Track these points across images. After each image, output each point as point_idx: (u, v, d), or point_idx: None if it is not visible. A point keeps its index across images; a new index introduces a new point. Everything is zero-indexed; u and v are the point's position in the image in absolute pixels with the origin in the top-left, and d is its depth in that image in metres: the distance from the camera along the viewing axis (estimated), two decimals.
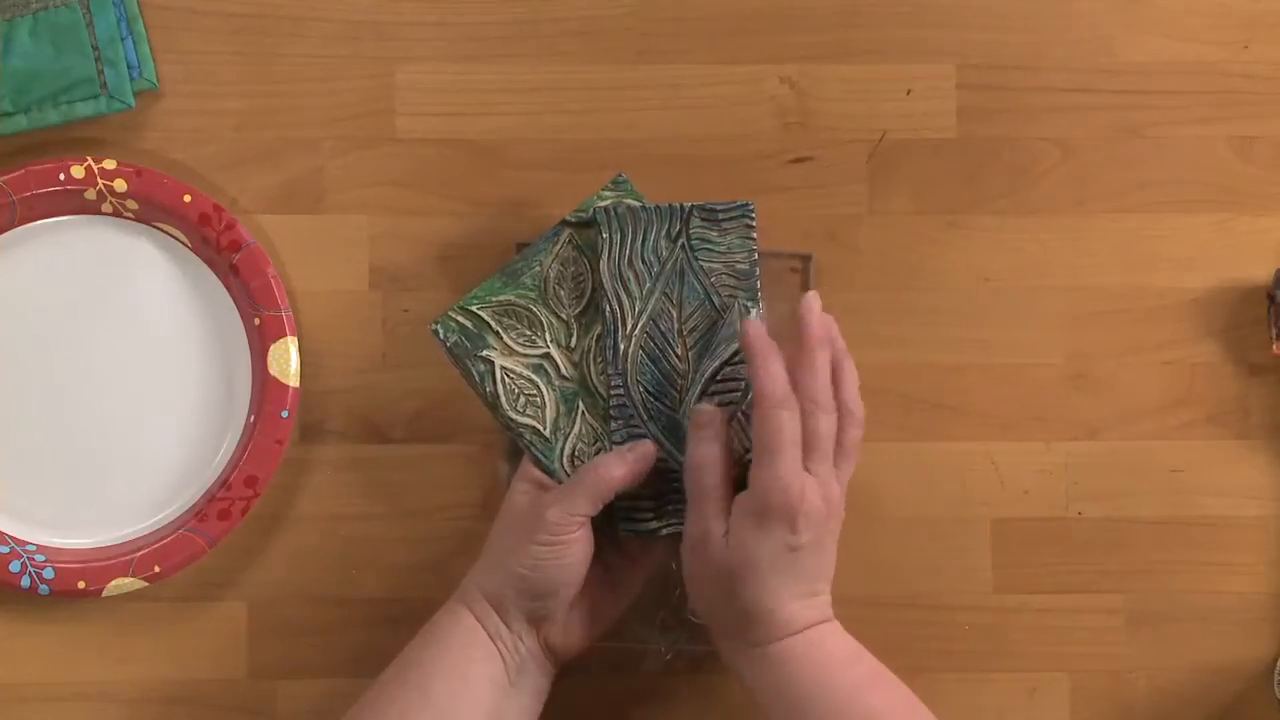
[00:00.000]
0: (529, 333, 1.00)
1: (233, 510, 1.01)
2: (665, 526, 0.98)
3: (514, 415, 0.99)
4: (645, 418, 0.99)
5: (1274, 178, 1.06)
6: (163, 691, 1.03)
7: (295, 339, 1.03)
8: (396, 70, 1.05)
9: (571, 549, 0.94)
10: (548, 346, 1.00)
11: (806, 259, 1.04)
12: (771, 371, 0.93)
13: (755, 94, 1.05)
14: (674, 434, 0.99)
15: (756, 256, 1.00)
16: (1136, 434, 1.05)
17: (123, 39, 1.03)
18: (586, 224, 1.01)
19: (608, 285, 1.00)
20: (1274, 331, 1.04)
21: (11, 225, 1.03)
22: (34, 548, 1.02)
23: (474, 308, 1.00)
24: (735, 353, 0.97)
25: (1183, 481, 1.05)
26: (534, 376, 1.00)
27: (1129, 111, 1.06)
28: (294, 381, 1.02)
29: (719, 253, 1.00)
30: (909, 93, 1.06)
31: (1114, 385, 1.05)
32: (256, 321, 1.03)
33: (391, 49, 1.05)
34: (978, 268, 1.06)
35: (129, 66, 1.03)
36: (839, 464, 0.95)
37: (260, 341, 1.03)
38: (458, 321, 1.00)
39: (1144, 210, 1.06)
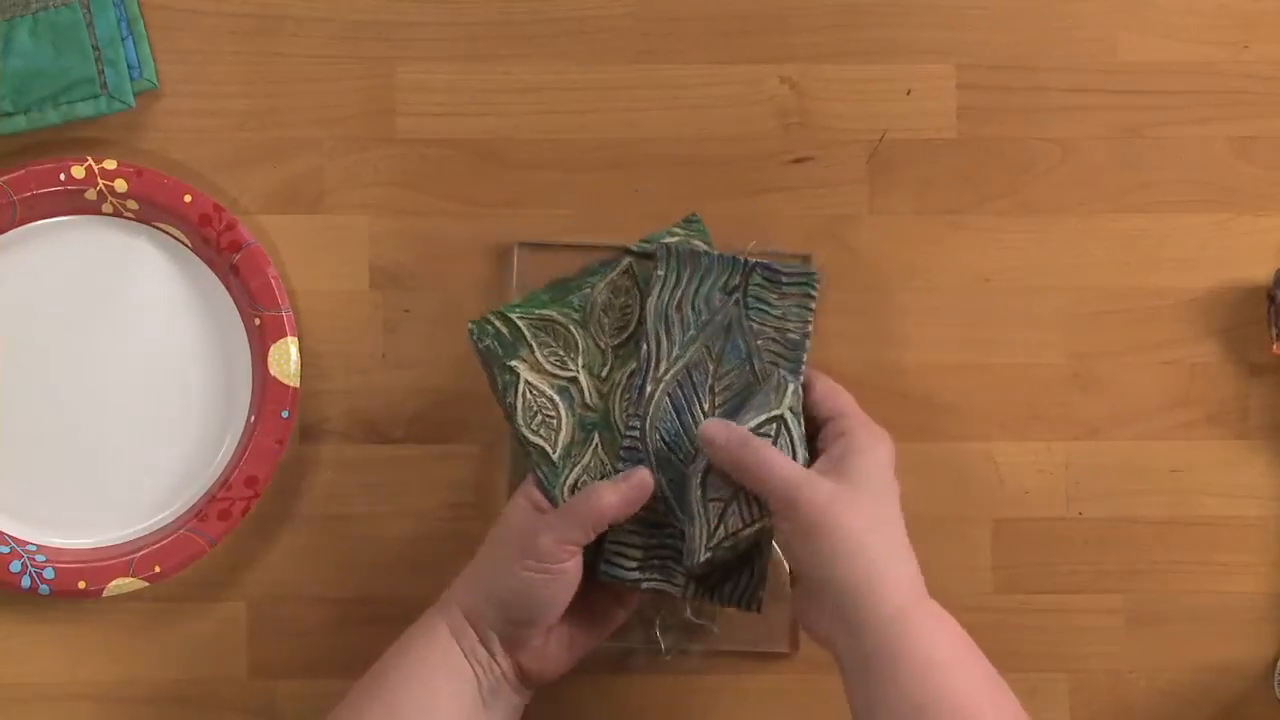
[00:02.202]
0: (562, 353, 0.99)
1: (233, 510, 1.01)
2: (646, 580, 0.96)
3: (526, 432, 0.98)
4: (654, 465, 0.96)
5: (1274, 178, 1.06)
6: (163, 691, 1.03)
7: (295, 339, 1.03)
8: (396, 70, 1.05)
9: (559, 579, 0.93)
10: (578, 371, 0.99)
11: (806, 259, 1.04)
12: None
13: (755, 94, 1.05)
14: (679, 489, 0.96)
15: (810, 329, 0.98)
16: (1136, 434, 1.05)
17: (123, 39, 1.03)
18: (649, 256, 0.99)
19: (650, 324, 0.97)
20: (1274, 331, 1.04)
21: (11, 225, 1.03)
22: (34, 548, 1.02)
23: (514, 316, 0.98)
24: (762, 423, 0.94)
25: (1183, 481, 1.05)
26: (556, 397, 0.98)
27: (1129, 111, 1.06)
28: (294, 381, 1.02)
29: (773, 316, 0.98)
30: (909, 93, 1.06)
31: (1114, 385, 1.05)
32: (256, 321, 1.03)
33: (391, 49, 1.05)
34: (978, 268, 1.06)
35: (129, 66, 1.03)
36: None
37: (260, 341, 1.03)
38: (495, 326, 0.98)
39: (1144, 210, 1.06)
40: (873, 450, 0.93)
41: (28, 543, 1.02)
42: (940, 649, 0.89)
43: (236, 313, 1.04)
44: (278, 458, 1.02)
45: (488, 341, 0.98)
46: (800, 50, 1.06)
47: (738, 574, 0.97)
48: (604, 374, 0.99)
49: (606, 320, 0.99)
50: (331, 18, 1.05)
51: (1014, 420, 1.05)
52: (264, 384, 1.02)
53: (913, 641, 0.89)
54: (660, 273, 0.98)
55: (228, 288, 1.04)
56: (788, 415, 0.94)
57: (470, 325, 0.99)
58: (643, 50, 1.05)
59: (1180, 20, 1.06)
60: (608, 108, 1.05)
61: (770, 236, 1.04)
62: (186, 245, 1.04)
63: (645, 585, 0.96)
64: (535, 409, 0.98)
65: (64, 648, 1.03)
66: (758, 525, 0.93)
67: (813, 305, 0.98)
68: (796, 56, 1.06)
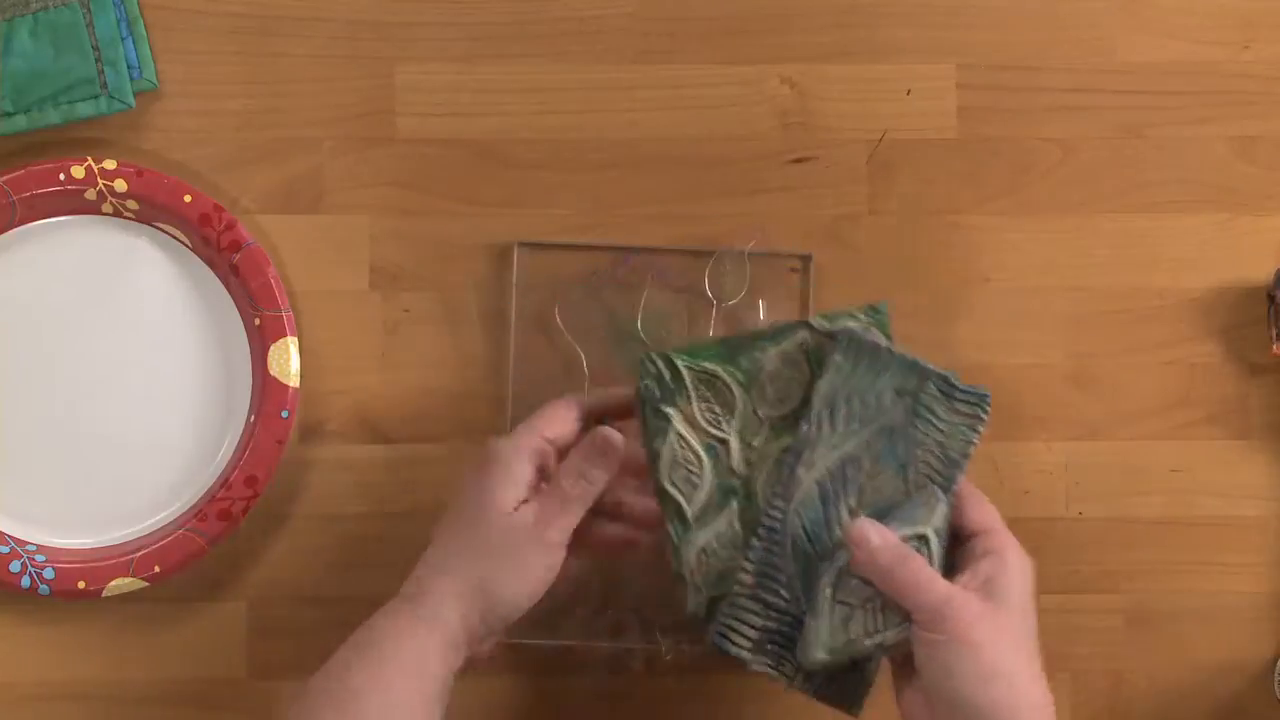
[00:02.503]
0: (719, 412, 0.95)
1: (233, 510, 1.01)
2: (756, 662, 0.95)
3: (665, 483, 0.95)
4: (789, 550, 0.94)
5: (1274, 178, 1.06)
6: (163, 691, 1.03)
7: (295, 339, 1.03)
8: (396, 70, 1.05)
9: (556, 571, 0.92)
10: (730, 434, 0.95)
11: (806, 259, 1.04)
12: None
13: (755, 94, 1.05)
14: (808, 580, 0.94)
15: (972, 451, 0.94)
16: (1136, 434, 1.05)
17: (123, 39, 1.03)
18: (829, 335, 0.95)
19: (816, 406, 0.94)
20: (1274, 331, 1.04)
21: (11, 225, 1.03)
22: (34, 548, 1.02)
23: (680, 362, 0.95)
24: (907, 536, 0.92)
25: (1183, 481, 1.05)
26: (704, 455, 0.95)
27: (1129, 111, 1.06)
28: (294, 381, 1.02)
29: (937, 429, 0.94)
30: (909, 93, 1.06)
31: (1114, 385, 1.05)
32: (256, 321, 1.03)
33: (391, 49, 1.05)
34: (978, 268, 1.06)
35: (129, 66, 1.03)
36: None
37: (260, 341, 1.03)
38: (658, 367, 0.95)
39: (1144, 210, 1.06)
40: (1021, 572, 0.91)
41: (28, 543, 1.02)
42: None
43: (236, 313, 1.04)
44: (278, 458, 1.02)
45: (647, 381, 0.95)
46: (800, 50, 1.06)
47: (845, 676, 0.95)
48: (756, 442, 0.96)
49: (770, 389, 0.96)
50: (331, 18, 1.05)
51: (1014, 420, 1.05)
52: (264, 384, 1.02)
53: None
54: (838, 358, 0.94)
55: (228, 288, 1.04)
56: (932, 535, 0.92)
57: (641, 357, 0.96)
58: (643, 50, 1.05)
59: (1180, 20, 1.06)
60: (608, 108, 1.05)
61: (770, 236, 1.04)
62: (186, 245, 1.04)
63: (753, 667, 0.95)
64: (680, 462, 0.95)
65: (64, 648, 1.03)
66: (880, 638, 0.92)
67: (981, 429, 0.95)
68: (796, 56, 1.06)
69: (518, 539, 0.92)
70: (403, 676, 0.90)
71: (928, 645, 0.89)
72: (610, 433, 0.93)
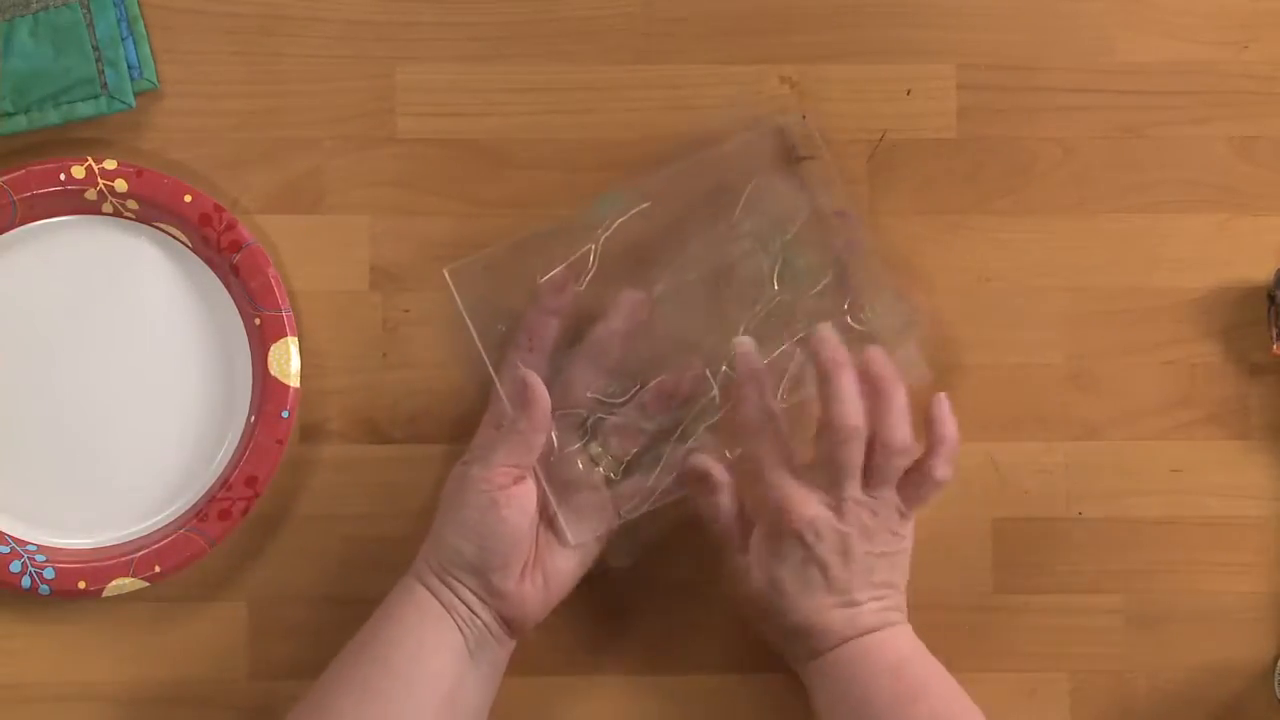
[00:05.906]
0: None
1: (233, 510, 1.01)
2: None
3: None
4: None
5: (1274, 178, 1.06)
6: (163, 691, 1.03)
7: (295, 339, 1.03)
8: (396, 70, 1.05)
9: (509, 505, 0.94)
10: None
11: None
12: (749, 400, 0.96)
13: (755, 94, 1.05)
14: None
15: None
16: (1136, 434, 1.05)
17: (123, 39, 1.03)
18: None
19: None
20: (1274, 331, 1.04)
21: (11, 225, 1.03)
22: (34, 548, 1.02)
23: None
24: None
25: (1183, 481, 1.05)
26: None
27: (1129, 111, 1.06)
28: (294, 381, 1.02)
29: None
30: (909, 93, 1.06)
31: (1114, 385, 1.05)
32: (256, 321, 1.03)
33: (391, 49, 1.05)
34: (978, 268, 1.06)
35: (129, 66, 1.03)
36: (878, 489, 0.96)
37: (260, 341, 1.03)
38: None
39: (1144, 210, 1.06)
40: None
41: (28, 543, 1.02)
42: None
43: (236, 313, 1.04)
44: (278, 458, 1.02)
45: None
46: (800, 50, 1.06)
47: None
48: None
49: None
50: (331, 18, 1.05)
51: (1014, 420, 1.05)
52: (264, 384, 1.02)
53: None
54: None
55: (228, 288, 1.04)
56: None
57: None
58: (643, 50, 1.05)
59: (1180, 20, 1.06)
60: (608, 108, 1.05)
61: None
62: (186, 245, 1.04)
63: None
64: None
65: (64, 648, 1.03)
66: None
67: None
68: (796, 56, 1.06)
69: (458, 485, 0.96)
70: (401, 617, 0.95)
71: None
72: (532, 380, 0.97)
